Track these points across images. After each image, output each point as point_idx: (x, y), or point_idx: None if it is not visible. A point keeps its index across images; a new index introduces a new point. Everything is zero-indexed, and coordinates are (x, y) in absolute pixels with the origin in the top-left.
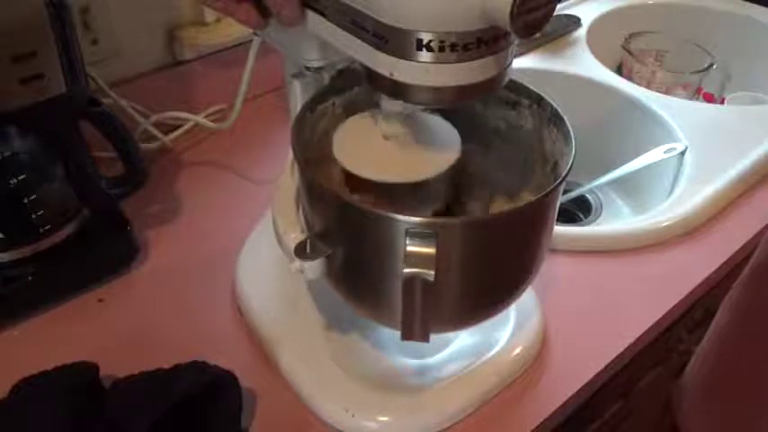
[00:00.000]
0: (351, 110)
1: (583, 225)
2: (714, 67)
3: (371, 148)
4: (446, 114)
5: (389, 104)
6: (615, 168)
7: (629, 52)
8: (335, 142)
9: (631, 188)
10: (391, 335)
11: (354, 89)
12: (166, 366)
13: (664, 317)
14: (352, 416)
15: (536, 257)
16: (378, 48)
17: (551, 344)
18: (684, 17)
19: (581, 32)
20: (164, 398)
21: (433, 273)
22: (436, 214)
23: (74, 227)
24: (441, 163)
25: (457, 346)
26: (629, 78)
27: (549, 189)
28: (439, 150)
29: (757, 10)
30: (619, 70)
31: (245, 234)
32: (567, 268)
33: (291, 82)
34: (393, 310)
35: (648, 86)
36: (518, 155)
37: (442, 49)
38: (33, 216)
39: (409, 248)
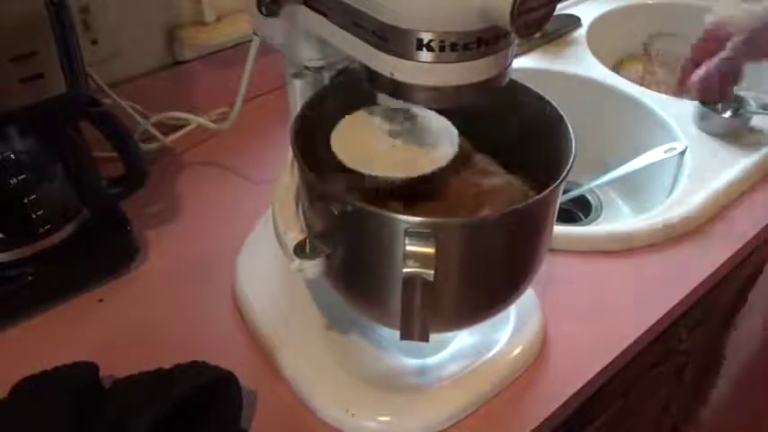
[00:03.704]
0: (351, 110)
1: (583, 225)
2: None
3: (370, 144)
4: (445, 114)
5: (387, 100)
6: (615, 168)
7: (649, 55)
8: (334, 139)
9: (631, 188)
10: (391, 335)
11: (354, 89)
12: (166, 366)
13: (664, 317)
14: (352, 416)
15: (536, 257)
16: (378, 47)
17: (551, 344)
18: (684, 17)
19: (581, 32)
20: (164, 398)
21: (432, 272)
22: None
23: (74, 227)
24: (439, 158)
25: (457, 346)
26: (647, 85)
27: (549, 189)
28: (437, 146)
29: None
30: (615, 70)
31: (245, 234)
32: (567, 268)
33: (291, 82)
34: (392, 309)
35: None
36: (518, 154)
37: (442, 48)
38: (33, 216)
39: (408, 248)
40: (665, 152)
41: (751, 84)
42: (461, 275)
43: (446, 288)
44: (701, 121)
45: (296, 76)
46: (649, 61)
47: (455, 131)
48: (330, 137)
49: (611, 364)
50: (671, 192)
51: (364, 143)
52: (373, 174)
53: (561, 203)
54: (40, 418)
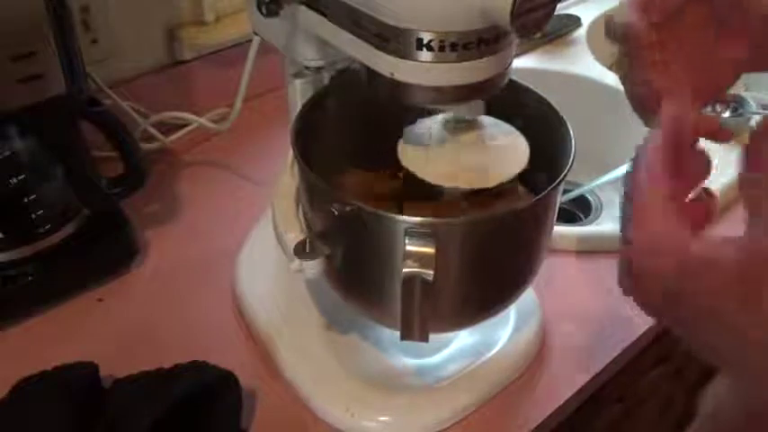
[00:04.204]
0: (351, 110)
1: (583, 225)
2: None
3: (439, 154)
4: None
5: (457, 109)
6: (615, 168)
7: None
8: (401, 148)
9: None
10: (391, 335)
11: (354, 89)
12: (166, 366)
13: None
14: (352, 416)
15: (536, 257)
16: (378, 47)
17: (551, 344)
18: None
19: (581, 32)
20: (164, 398)
21: (432, 272)
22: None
23: (74, 227)
24: (510, 169)
25: (457, 346)
26: None
27: (549, 189)
28: (506, 157)
29: None
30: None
31: (245, 234)
32: (567, 268)
33: (291, 82)
34: (392, 310)
35: None
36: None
37: (442, 48)
38: (33, 216)
39: (408, 248)
40: None
41: (751, 84)
42: (461, 275)
43: (446, 288)
44: None
45: (296, 76)
46: None
47: (526, 144)
48: (397, 146)
49: (610, 364)
50: None
51: (433, 153)
52: (446, 185)
53: (561, 203)
54: (40, 418)
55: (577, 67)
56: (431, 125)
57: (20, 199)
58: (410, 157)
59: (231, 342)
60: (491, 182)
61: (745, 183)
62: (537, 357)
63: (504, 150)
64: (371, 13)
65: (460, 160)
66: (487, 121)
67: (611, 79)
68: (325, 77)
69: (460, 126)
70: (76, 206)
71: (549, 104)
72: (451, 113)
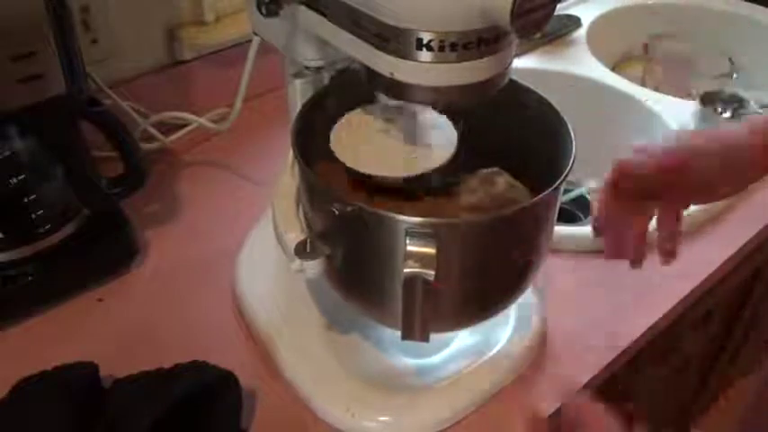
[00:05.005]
0: (351, 110)
1: (583, 225)
2: (735, 76)
3: (369, 143)
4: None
5: (386, 98)
6: None
7: (649, 55)
8: (334, 137)
9: None
10: (391, 334)
11: (354, 89)
12: (166, 366)
13: (664, 316)
14: (353, 415)
15: (537, 257)
16: (378, 47)
17: (551, 343)
18: (684, 17)
19: (581, 32)
20: (164, 398)
21: (433, 273)
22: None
23: (74, 227)
24: (435, 159)
25: (457, 346)
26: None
27: (549, 189)
28: (436, 146)
29: (758, 10)
30: (615, 70)
31: (245, 234)
32: (567, 268)
33: (291, 82)
34: (393, 310)
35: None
36: (518, 155)
37: (441, 48)
38: (33, 216)
39: (409, 248)
40: None
41: (751, 84)
42: (462, 275)
43: (447, 288)
44: (702, 121)
45: (296, 76)
46: (649, 61)
47: (454, 132)
48: (330, 135)
49: (611, 364)
50: None
51: (364, 142)
52: (370, 173)
53: (561, 203)
54: (40, 418)
55: (577, 68)
56: (363, 113)
57: (20, 199)
58: (341, 145)
59: (231, 342)
60: (418, 170)
61: None
62: (537, 357)
63: (434, 138)
64: (371, 13)
65: (389, 149)
66: (419, 109)
67: (612, 79)
68: (326, 77)
69: (390, 114)
70: (76, 206)
71: (549, 105)
72: (382, 101)
